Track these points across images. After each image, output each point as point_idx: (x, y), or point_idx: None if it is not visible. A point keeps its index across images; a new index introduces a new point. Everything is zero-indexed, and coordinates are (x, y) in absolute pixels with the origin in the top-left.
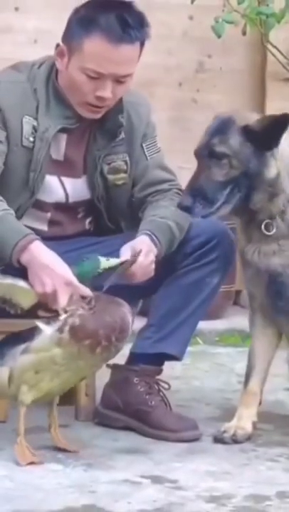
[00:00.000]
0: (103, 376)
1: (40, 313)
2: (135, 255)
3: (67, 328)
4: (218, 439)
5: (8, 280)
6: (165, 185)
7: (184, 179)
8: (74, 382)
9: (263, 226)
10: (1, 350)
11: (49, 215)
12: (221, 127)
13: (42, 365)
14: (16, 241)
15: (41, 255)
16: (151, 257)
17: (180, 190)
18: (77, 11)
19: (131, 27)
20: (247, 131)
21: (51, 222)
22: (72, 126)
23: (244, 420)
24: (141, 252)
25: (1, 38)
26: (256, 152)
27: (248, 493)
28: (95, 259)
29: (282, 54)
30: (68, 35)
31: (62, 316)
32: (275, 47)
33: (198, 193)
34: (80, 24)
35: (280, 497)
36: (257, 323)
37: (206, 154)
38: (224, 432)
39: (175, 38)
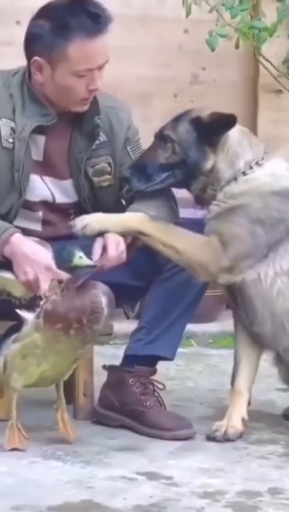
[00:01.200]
0: (101, 377)
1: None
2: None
3: (42, 313)
4: (211, 438)
5: None
6: None
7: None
8: (66, 365)
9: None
10: (3, 344)
11: (40, 214)
12: (178, 116)
13: (26, 349)
14: None
15: (22, 246)
16: (121, 248)
17: (166, 189)
18: (37, 24)
19: (99, 16)
20: (196, 122)
21: (44, 223)
22: (48, 123)
23: (234, 419)
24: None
25: (2, 51)
26: (198, 143)
27: (240, 489)
28: (71, 252)
29: (273, 67)
30: (44, 48)
31: (41, 302)
32: (267, 60)
33: (138, 168)
34: (55, 34)
35: (271, 493)
36: (239, 327)
37: (158, 136)
38: (216, 430)
39: (170, 51)
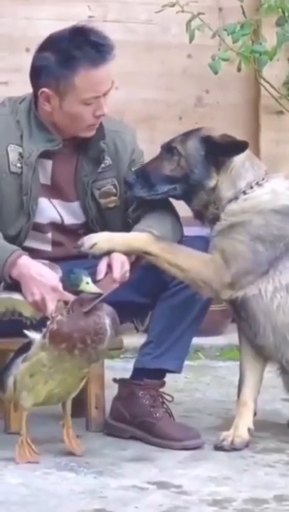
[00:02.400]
0: (112, 390)
1: None
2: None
3: (47, 333)
4: (219, 447)
5: (4, 295)
6: (156, 204)
7: (179, 203)
8: (72, 383)
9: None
10: (11, 362)
11: (50, 235)
12: (189, 132)
13: (34, 368)
14: (5, 258)
15: (29, 268)
16: (126, 268)
17: (170, 208)
18: (43, 56)
19: (102, 45)
20: (206, 140)
21: (54, 243)
22: (54, 148)
23: (240, 429)
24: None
25: (13, 77)
26: (204, 162)
27: (247, 496)
28: (79, 277)
29: (274, 89)
30: (51, 80)
31: (48, 322)
32: (267, 82)
33: (143, 175)
34: (61, 66)
35: (277, 500)
36: (243, 340)
37: (165, 148)
38: (223, 440)
39: (175, 75)
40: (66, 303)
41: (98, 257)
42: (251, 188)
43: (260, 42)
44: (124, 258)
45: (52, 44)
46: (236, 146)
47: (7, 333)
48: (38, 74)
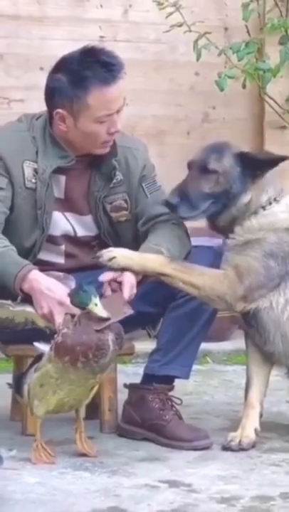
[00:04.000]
0: (124, 394)
1: None
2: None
3: (53, 346)
4: (227, 447)
5: (19, 308)
6: (163, 217)
7: None
8: (81, 393)
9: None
10: (27, 371)
11: (63, 247)
12: (218, 148)
13: (43, 379)
14: (16, 273)
15: (38, 282)
16: (134, 290)
17: (177, 221)
18: (55, 78)
19: (112, 64)
20: (241, 157)
21: (67, 255)
22: (67, 165)
23: (247, 430)
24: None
25: (28, 95)
26: (241, 177)
27: (254, 494)
28: (88, 297)
29: (278, 105)
30: (65, 101)
31: (55, 335)
32: (271, 98)
33: (184, 196)
34: (73, 87)
35: (283, 497)
36: (250, 345)
37: (200, 166)
38: (231, 441)
39: (183, 92)
40: (73, 316)
41: (113, 270)
42: (270, 203)
43: (264, 60)
44: (134, 280)
45: (64, 65)
46: (273, 161)
47: (26, 339)
48: (51, 95)
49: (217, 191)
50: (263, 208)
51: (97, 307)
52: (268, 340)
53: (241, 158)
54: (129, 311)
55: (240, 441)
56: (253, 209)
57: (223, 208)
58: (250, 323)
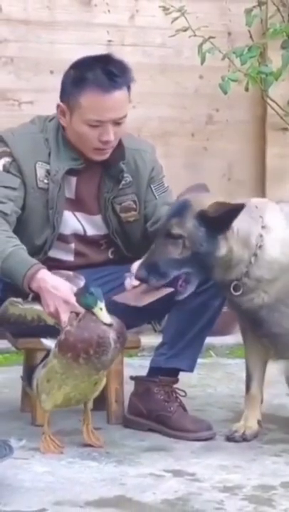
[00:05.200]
0: (130, 386)
1: None
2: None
3: (57, 342)
4: (230, 438)
5: (27, 305)
6: None
7: None
8: (86, 388)
9: (231, 288)
10: (37, 366)
11: (73, 245)
12: (179, 210)
13: (49, 374)
14: (25, 272)
15: (45, 282)
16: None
17: None
18: (67, 73)
19: (115, 75)
20: (201, 216)
21: (76, 253)
22: (78, 167)
23: (250, 421)
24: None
25: (38, 97)
26: (208, 235)
27: (256, 483)
28: (94, 300)
29: (280, 107)
30: (65, 96)
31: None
32: (273, 101)
33: (152, 268)
34: (73, 84)
35: (284, 487)
36: (247, 341)
37: (164, 233)
38: (235, 431)
39: (188, 94)
40: (78, 314)
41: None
42: (261, 236)
43: (266, 64)
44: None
45: (76, 63)
46: (232, 212)
47: (38, 334)
48: (60, 89)
49: (186, 255)
50: (258, 246)
51: (102, 311)
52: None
53: (202, 216)
54: (168, 289)
55: (243, 432)
56: (245, 256)
57: (205, 268)
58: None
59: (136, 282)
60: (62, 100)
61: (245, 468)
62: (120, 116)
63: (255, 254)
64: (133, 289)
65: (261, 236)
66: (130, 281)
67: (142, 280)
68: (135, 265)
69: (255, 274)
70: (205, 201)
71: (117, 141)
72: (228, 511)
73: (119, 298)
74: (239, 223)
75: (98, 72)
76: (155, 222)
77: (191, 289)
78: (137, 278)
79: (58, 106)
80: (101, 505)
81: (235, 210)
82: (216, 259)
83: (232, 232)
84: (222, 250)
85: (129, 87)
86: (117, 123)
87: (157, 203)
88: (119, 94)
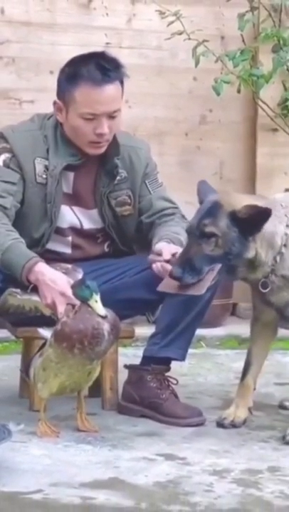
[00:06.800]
0: (124, 374)
1: None
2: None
3: (53, 333)
4: (220, 424)
5: (26, 296)
6: (169, 211)
7: (189, 212)
8: (80, 377)
9: (259, 285)
10: (34, 355)
11: (70, 239)
12: (211, 210)
13: (45, 363)
14: (23, 264)
15: (43, 274)
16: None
17: (183, 215)
18: (62, 71)
19: (108, 70)
20: (233, 216)
21: (73, 246)
22: (76, 163)
23: (240, 409)
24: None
25: (38, 97)
26: (240, 236)
27: (244, 468)
28: (90, 293)
29: (270, 108)
30: (60, 93)
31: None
32: (264, 102)
33: (187, 265)
34: (68, 81)
35: (270, 471)
36: (256, 330)
37: (197, 233)
38: (224, 418)
39: (182, 95)
40: (74, 306)
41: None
42: (286, 234)
43: (257, 67)
44: (172, 248)
45: (70, 61)
46: (261, 215)
47: (36, 324)
48: (57, 86)
49: (218, 253)
50: (285, 245)
51: (97, 304)
52: None
53: (234, 217)
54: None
55: (233, 419)
56: (269, 256)
57: (232, 267)
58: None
59: (166, 266)
60: (58, 97)
61: (233, 453)
62: (114, 110)
63: (281, 253)
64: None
65: (287, 235)
66: (158, 265)
67: (177, 279)
68: (158, 246)
69: (281, 272)
70: (232, 201)
71: (112, 135)
72: (217, 493)
73: (165, 288)
74: (267, 225)
75: (92, 68)
76: (151, 215)
77: (212, 283)
78: (173, 277)
79: (55, 103)
80: (95, 487)
81: (264, 213)
82: (243, 260)
83: (259, 234)
84: (251, 252)
85: (122, 82)
86: (111, 116)
87: (152, 198)
88: (111, 88)
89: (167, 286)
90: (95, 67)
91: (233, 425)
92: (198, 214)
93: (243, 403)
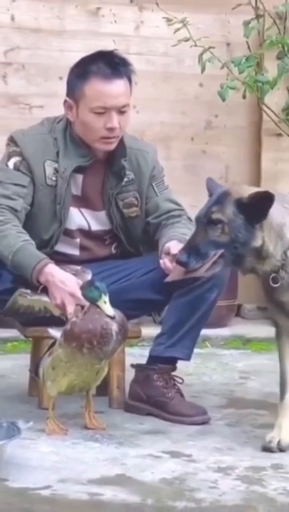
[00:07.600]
0: (131, 373)
1: None
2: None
3: (63, 332)
4: (266, 448)
5: (35, 296)
6: (175, 212)
7: (194, 215)
8: (89, 376)
9: (270, 280)
10: (44, 355)
11: (78, 240)
12: (219, 198)
13: (54, 362)
14: (34, 265)
15: (53, 275)
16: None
17: (189, 218)
18: (72, 71)
19: (118, 64)
20: (238, 203)
21: (81, 248)
22: (86, 164)
23: (284, 430)
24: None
25: (48, 101)
26: (246, 223)
27: (248, 465)
28: (99, 294)
29: (275, 114)
30: (71, 91)
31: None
32: (269, 108)
33: (191, 251)
34: (78, 77)
35: (274, 468)
36: (283, 345)
37: (204, 221)
38: (270, 442)
39: (188, 101)
40: (83, 307)
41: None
42: None
43: (262, 73)
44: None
45: (80, 61)
46: (263, 199)
47: (45, 324)
48: (66, 86)
49: (224, 240)
50: None
51: (106, 304)
52: None
53: (240, 204)
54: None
55: (279, 441)
56: (279, 248)
57: (238, 256)
58: None
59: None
60: (68, 96)
61: (238, 451)
62: (123, 104)
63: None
64: (176, 266)
65: None
66: (165, 260)
67: (182, 264)
68: (168, 245)
69: None
70: (242, 191)
71: (122, 131)
72: (222, 490)
73: (171, 278)
74: (273, 214)
75: (101, 64)
76: (157, 216)
77: (217, 268)
78: (178, 262)
79: (65, 101)
80: (102, 483)
81: (266, 197)
82: (250, 249)
83: (267, 224)
84: (258, 241)
85: (130, 79)
86: (120, 111)
87: (159, 199)
88: (121, 83)
89: (173, 276)
90: (105, 64)
91: (281, 449)
92: (207, 204)
93: (287, 424)
